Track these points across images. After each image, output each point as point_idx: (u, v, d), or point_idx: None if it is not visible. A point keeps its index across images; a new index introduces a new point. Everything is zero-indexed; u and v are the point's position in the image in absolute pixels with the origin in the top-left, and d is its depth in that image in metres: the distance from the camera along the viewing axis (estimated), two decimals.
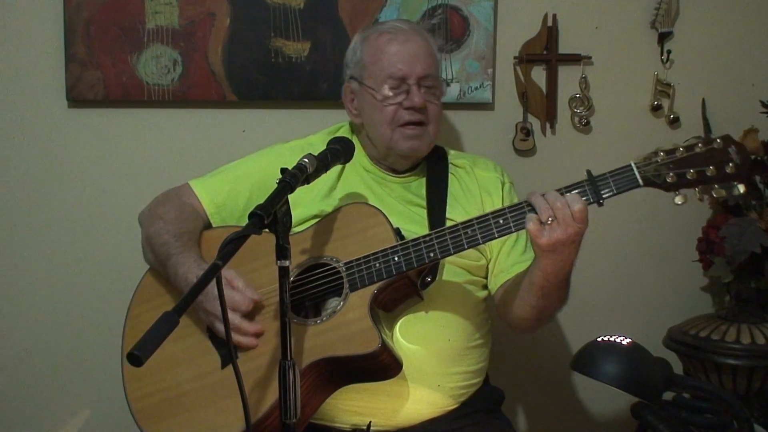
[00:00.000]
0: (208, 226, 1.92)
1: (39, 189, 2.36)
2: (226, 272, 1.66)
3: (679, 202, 1.55)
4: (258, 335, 1.68)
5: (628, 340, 1.74)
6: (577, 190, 1.57)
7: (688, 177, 1.53)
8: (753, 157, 2.28)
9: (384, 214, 1.74)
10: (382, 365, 1.63)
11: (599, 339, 1.77)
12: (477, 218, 1.63)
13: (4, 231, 2.36)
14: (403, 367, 1.67)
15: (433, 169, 1.96)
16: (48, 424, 2.42)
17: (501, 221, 1.61)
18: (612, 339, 1.75)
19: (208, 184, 1.95)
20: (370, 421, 1.74)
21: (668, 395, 1.93)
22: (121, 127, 2.36)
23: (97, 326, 2.36)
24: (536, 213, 1.55)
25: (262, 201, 1.88)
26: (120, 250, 2.33)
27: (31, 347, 2.39)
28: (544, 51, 2.37)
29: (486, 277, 1.92)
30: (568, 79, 2.38)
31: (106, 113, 2.35)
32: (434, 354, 1.78)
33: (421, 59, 1.88)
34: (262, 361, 1.66)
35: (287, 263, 1.42)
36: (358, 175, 1.93)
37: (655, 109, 2.40)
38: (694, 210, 2.38)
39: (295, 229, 1.82)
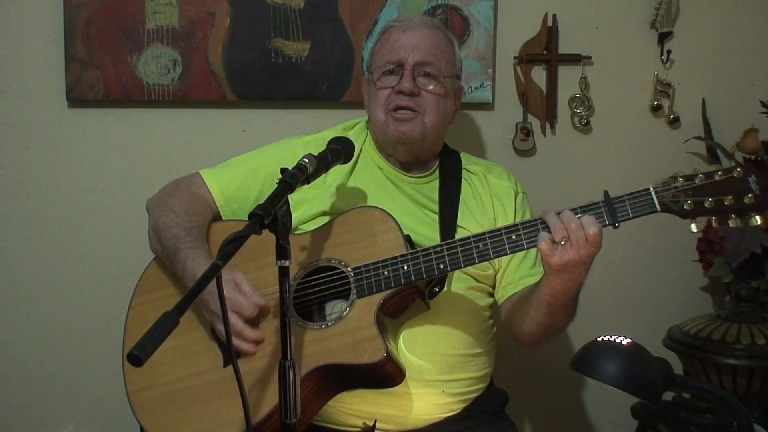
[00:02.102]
0: (217, 217, 1.89)
1: (39, 189, 2.36)
2: (235, 274, 1.65)
3: (695, 230, 1.54)
4: (258, 342, 1.66)
5: (628, 340, 1.73)
6: (593, 212, 1.54)
7: (706, 205, 1.51)
8: (753, 157, 2.28)
9: (395, 220, 1.71)
10: (385, 374, 1.62)
11: (599, 339, 1.76)
12: (489, 232, 1.60)
13: (3, 231, 2.36)
14: (407, 375, 1.66)
15: (447, 173, 1.94)
16: (48, 418, 2.41)
17: (513, 237, 1.58)
18: (612, 339, 1.74)
19: (220, 175, 1.91)
20: (375, 420, 1.73)
21: (668, 395, 1.93)
22: (121, 127, 2.35)
23: (97, 326, 2.36)
24: (549, 232, 1.53)
25: None
26: (120, 250, 2.33)
27: (31, 346, 2.39)
28: (544, 51, 2.37)
29: (492, 286, 1.89)
30: (568, 79, 2.38)
31: (106, 113, 2.35)
32: (438, 362, 1.77)
33: (423, 47, 1.85)
34: (262, 363, 1.65)
35: (287, 263, 1.41)
36: (371, 172, 1.91)
37: (655, 109, 2.40)
38: None
39: (303, 227, 1.81)
